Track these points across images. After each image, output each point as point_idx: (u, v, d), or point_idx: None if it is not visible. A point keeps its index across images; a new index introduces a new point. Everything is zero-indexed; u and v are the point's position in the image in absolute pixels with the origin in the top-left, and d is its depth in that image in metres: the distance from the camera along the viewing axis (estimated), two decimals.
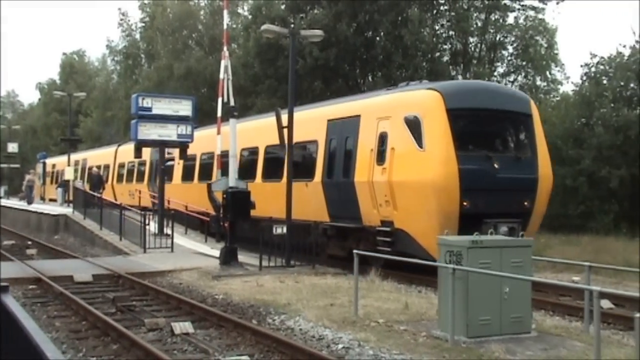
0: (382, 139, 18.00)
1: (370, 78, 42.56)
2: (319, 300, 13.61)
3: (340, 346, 10.05)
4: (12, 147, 65.67)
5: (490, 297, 10.33)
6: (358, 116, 19.32)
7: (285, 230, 18.81)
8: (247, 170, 24.39)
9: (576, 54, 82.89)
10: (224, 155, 22.69)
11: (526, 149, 18.34)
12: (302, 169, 21.51)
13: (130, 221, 23.69)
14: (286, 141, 19.67)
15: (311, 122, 21.64)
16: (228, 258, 18.81)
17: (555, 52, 42.37)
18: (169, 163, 29.56)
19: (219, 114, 25.17)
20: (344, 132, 19.90)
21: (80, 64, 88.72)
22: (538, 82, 41.56)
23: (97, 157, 44.51)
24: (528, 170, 17.73)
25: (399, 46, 38.75)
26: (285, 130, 19.56)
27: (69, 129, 53.43)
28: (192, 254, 21.74)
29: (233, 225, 19.26)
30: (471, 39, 42.36)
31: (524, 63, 41.79)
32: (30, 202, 42.64)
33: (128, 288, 16.04)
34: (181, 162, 28.86)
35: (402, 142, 17.41)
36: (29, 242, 27.36)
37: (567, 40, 77.76)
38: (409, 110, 17.52)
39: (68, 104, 49.58)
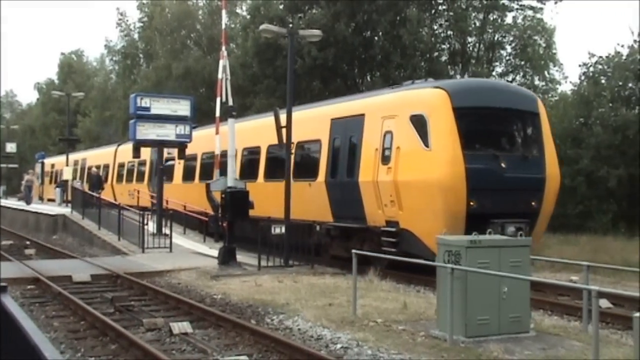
0: (387, 138, 17.83)
1: (368, 78, 42.60)
2: (318, 300, 13.61)
3: (338, 346, 10.05)
4: (11, 147, 65.68)
5: (488, 297, 10.33)
6: (362, 115, 19.12)
7: (283, 230, 18.79)
8: (249, 170, 24.34)
9: (574, 54, 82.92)
10: (224, 155, 22.64)
11: (533, 148, 18.16)
12: (305, 168, 21.39)
13: (129, 221, 23.67)
14: (285, 141, 19.64)
15: (314, 121, 21.51)
16: (226, 258, 18.80)
17: (554, 51, 42.44)
18: (170, 163, 29.54)
19: (218, 113, 25.17)
20: (348, 131, 19.70)
21: (79, 64, 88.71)
22: (536, 82, 41.59)
23: (96, 156, 44.46)
24: (535, 170, 17.56)
25: (397, 46, 38.78)
26: (284, 130, 19.51)
27: (67, 128, 53.41)
28: (190, 254, 21.74)
29: (231, 225, 19.24)
30: (469, 39, 42.42)
31: (522, 63, 41.85)
32: (28, 202, 42.63)
33: (126, 288, 16.03)
34: (182, 162, 28.81)
35: (407, 142, 17.23)
36: (28, 242, 27.32)
37: (565, 40, 78.08)
38: (414, 109, 17.33)
39: (66, 103, 49.58)
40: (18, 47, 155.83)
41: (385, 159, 17.70)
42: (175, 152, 26.94)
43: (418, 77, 25.49)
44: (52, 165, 54.16)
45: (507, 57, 42.49)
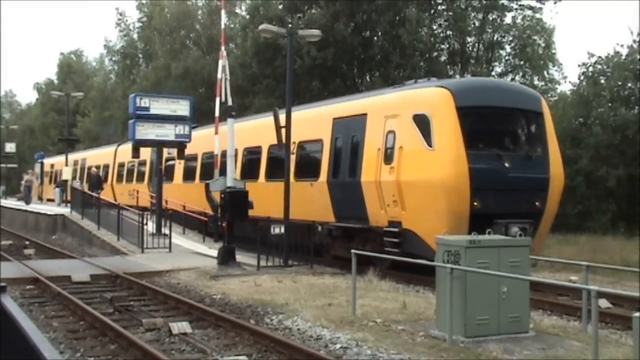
0: (390, 137, 17.72)
1: (368, 78, 42.62)
2: (317, 300, 13.60)
3: (338, 346, 10.05)
4: (10, 147, 65.69)
5: (488, 297, 10.33)
6: (365, 114, 19.02)
7: (283, 230, 18.78)
8: (250, 169, 24.27)
9: (574, 54, 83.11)
10: (225, 155, 22.58)
11: (537, 147, 18.04)
12: (307, 168, 21.29)
13: (128, 221, 23.67)
14: (284, 141, 19.63)
15: (316, 120, 21.42)
16: (226, 258, 18.79)
17: (553, 51, 42.48)
18: (170, 163, 29.53)
19: (217, 113, 25.17)
20: (350, 130, 19.57)
21: (78, 64, 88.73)
22: (536, 82, 41.59)
23: (96, 156, 44.42)
24: (539, 170, 17.44)
25: (396, 46, 38.79)
26: (284, 130, 19.50)
27: (66, 129, 53.40)
28: (190, 254, 21.74)
29: (231, 225, 19.23)
30: (469, 39, 42.44)
31: (521, 63, 41.88)
32: (28, 202, 42.66)
33: (126, 288, 16.03)
34: (182, 162, 28.79)
35: (410, 141, 17.10)
36: (27, 242, 27.30)
37: (564, 40, 78.17)
38: (417, 108, 17.22)
39: (66, 103, 49.58)
40: (17, 47, 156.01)
41: (388, 159, 17.59)
42: (174, 152, 26.92)
43: (417, 77, 25.46)
44: (52, 165, 54.14)
45: (507, 57, 42.54)
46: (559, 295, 15.64)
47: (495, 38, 41.76)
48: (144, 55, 60.80)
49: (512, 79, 41.31)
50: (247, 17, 46.43)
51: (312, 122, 21.48)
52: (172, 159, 28.42)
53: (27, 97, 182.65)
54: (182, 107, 25.38)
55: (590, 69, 33.78)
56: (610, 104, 32.43)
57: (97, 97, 68.79)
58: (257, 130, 24.24)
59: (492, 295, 10.34)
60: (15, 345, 3.58)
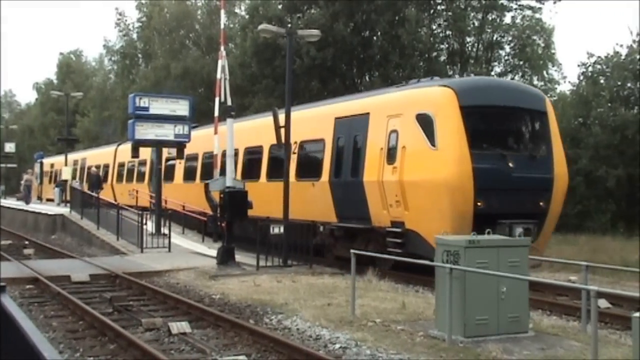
0: (393, 137, 17.59)
1: (367, 78, 42.64)
2: (316, 300, 13.60)
3: (337, 346, 10.05)
4: (9, 147, 65.64)
5: (487, 297, 10.33)
6: (367, 114, 18.88)
7: (282, 230, 18.77)
8: (251, 169, 24.18)
9: (573, 54, 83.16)
10: (225, 155, 22.53)
11: (541, 147, 17.90)
12: (309, 168, 21.17)
13: (128, 221, 23.67)
14: (284, 141, 19.61)
15: (318, 120, 21.30)
16: (225, 258, 18.79)
17: (553, 51, 42.52)
18: (171, 162, 29.52)
19: (216, 113, 25.18)
20: (352, 130, 19.44)
21: (78, 64, 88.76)
22: (535, 82, 41.62)
23: (96, 156, 44.38)
24: (543, 170, 17.31)
25: (396, 46, 38.81)
26: (283, 130, 19.49)
27: (66, 128, 53.40)
28: (189, 254, 21.73)
29: (230, 225, 19.22)
30: (468, 39, 42.47)
31: (521, 63, 41.92)
32: (28, 202, 42.68)
33: (125, 288, 16.02)
34: (182, 161, 28.75)
35: (413, 141, 16.97)
36: (26, 242, 27.29)
37: (564, 40, 78.13)
38: (421, 107, 17.08)
39: (65, 103, 49.56)
40: (17, 47, 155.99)
41: (391, 159, 17.47)
42: (174, 151, 26.90)
43: (417, 77, 25.47)
44: (52, 165, 54.13)
45: (506, 57, 42.57)
46: (558, 295, 15.63)
47: (494, 38, 41.80)
48: (144, 55, 60.82)
49: (512, 79, 41.30)
50: (247, 17, 46.48)
51: (314, 121, 21.39)
52: (173, 158, 28.41)
53: (26, 97, 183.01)
54: (181, 107, 25.38)
55: (590, 69, 33.83)
56: (609, 104, 32.46)
57: (97, 97, 68.84)
58: (258, 130, 24.16)
59: (492, 295, 10.34)
60: (15, 345, 3.58)
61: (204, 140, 26.75)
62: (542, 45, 41.59)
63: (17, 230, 33.73)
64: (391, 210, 17.42)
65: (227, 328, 11.34)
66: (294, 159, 21.22)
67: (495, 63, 42.53)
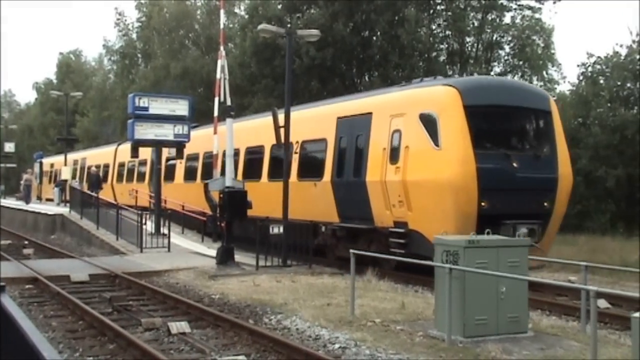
0: (396, 137, 17.46)
1: (366, 78, 42.63)
2: (316, 300, 13.61)
3: (336, 346, 10.04)
4: (9, 147, 65.62)
5: (486, 297, 10.33)
6: (370, 113, 18.75)
7: (282, 230, 18.75)
8: (253, 169, 24.08)
9: (573, 54, 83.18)
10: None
11: (545, 146, 17.76)
12: (311, 168, 21.05)
13: (127, 221, 23.67)
14: (283, 141, 19.58)
15: (320, 119, 21.19)
16: (225, 258, 18.78)
17: (552, 51, 42.50)
18: (171, 162, 29.50)
19: (216, 113, 25.18)
20: (354, 130, 19.31)
21: (77, 64, 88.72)
22: (535, 82, 41.59)
23: (96, 156, 44.34)
24: (548, 170, 17.18)
25: (395, 46, 38.80)
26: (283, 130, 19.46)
27: (65, 128, 53.39)
28: (188, 254, 21.73)
29: (229, 225, 19.21)
30: (468, 39, 42.46)
31: (520, 63, 41.90)
32: (28, 202, 42.71)
33: (125, 288, 16.03)
34: (183, 161, 28.69)
35: (417, 140, 16.84)
36: (26, 242, 27.30)
37: (563, 40, 78.07)
38: (424, 107, 16.95)
39: (65, 103, 49.54)
40: (16, 46, 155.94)
41: (394, 159, 17.35)
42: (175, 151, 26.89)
43: (416, 77, 25.41)
44: (52, 165, 54.12)
45: (506, 57, 42.55)
46: (557, 296, 15.61)
47: (494, 38, 41.78)
48: (143, 55, 60.81)
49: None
50: (246, 17, 46.46)
51: (316, 121, 21.28)
52: (173, 158, 28.41)
53: (26, 96, 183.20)
54: (181, 107, 25.38)
55: (590, 69, 33.83)
56: (609, 104, 32.47)
57: (96, 97, 68.80)
58: (259, 130, 24.03)
59: (491, 295, 10.34)
60: (15, 344, 3.58)
61: (205, 140, 26.68)
62: (542, 45, 41.57)
63: (17, 230, 33.73)
64: (394, 210, 17.30)
65: (226, 328, 11.34)
66: (295, 159, 21.16)
67: (495, 63, 42.54)
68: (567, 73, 65.36)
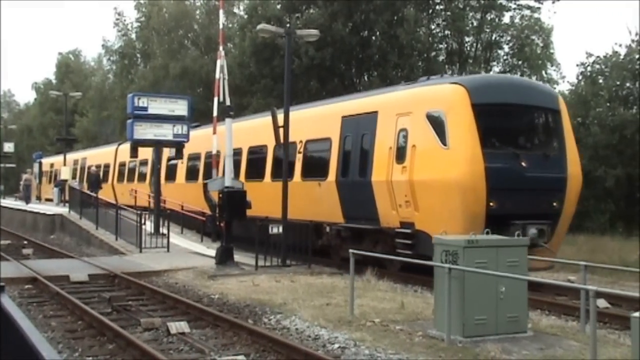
0: (402, 136, 17.27)
1: (365, 78, 42.62)
2: (315, 300, 13.61)
3: (336, 346, 10.04)
4: (8, 147, 65.56)
5: (486, 297, 10.32)
6: (375, 112, 18.51)
7: (281, 230, 18.74)
8: (255, 169, 23.97)
9: (572, 53, 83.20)
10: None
11: (554, 146, 17.57)
12: (315, 167, 20.86)
13: (127, 221, 23.66)
14: (282, 141, 19.56)
15: (324, 118, 20.99)
16: (224, 258, 18.78)
17: (551, 51, 42.52)
18: (172, 162, 29.47)
19: (215, 113, 25.15)
20: (359, 129, 19.06)
21: (76, 64, 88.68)
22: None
23: (97, 156, 44.26)
24: (557, 169, 16.96)
25: (394, 46, 38.80)
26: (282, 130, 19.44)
27: (64, 128, 53.36)
28: (188, 254, 21.72)
29: (229, 225, 19.19)
30: (467, 39, 42.46)
31: (519, 62, 41.90)
32: (27, 202, 42.70)
33: (124, 288, 16.02)
34: (184, 161, 28.63)
35: (424, 140, 16.62)
36: (25, 242, 27.30)
37: (563, 40, 78.09)
38: (431, 105, 16.73)
39: (64, 103, 49.53)
40: (16, 47, 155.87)
41: (400, 158, 17.14)
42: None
43: (415, 77, 25.44)
44: (51, 165, 54.10)
45: (505, 57, 42.55)
46: (557, 295, 15.60)
47: (493, 38, 41.78)
48: (142, 55, 60.81)
49: None
50: (245, 16, 46.46)
51: (320, 120, 21.12)
52: (174, 158, 28.38)
53: (25, 96, 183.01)
54: (180, 107, 25.36)
55: (589, 68, 33.82)
56: (608, 104, 32.46)
57: (95, 97, 68.78)
58: (262, 130, 23.79)
59: (490, 295, 10.34)
60: (14, 344, 3.58)
61: (206, 139, 26.58)
62: (541, 45, 41.58)
63: (16, 230, 33.72)
64: (400, 210, 17.11)
65: (225, 328, 11.34)
66: (299, 159, 21.06)
67: (494, 63, 42.54)
68: (566, 73, 65.59)
